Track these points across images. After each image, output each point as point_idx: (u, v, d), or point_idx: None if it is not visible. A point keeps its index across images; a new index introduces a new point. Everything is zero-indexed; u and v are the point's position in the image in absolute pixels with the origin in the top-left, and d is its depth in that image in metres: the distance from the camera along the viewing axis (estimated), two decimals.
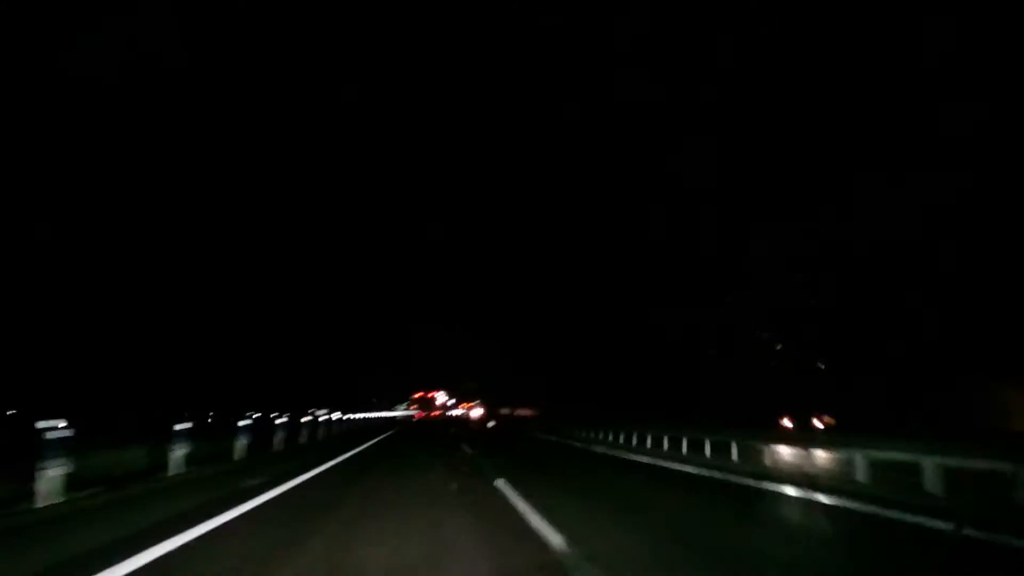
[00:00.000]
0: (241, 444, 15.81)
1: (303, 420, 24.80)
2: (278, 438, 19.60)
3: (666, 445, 18.08)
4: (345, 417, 35.32)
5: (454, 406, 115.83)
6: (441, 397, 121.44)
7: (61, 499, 8.34)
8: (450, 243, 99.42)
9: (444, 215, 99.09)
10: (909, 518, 7.02)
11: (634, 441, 20.52)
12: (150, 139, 43.65)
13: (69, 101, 37.60)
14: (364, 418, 43.35)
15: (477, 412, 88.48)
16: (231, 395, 44.94)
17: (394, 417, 77.54)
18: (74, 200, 39.09)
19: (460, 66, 65.32)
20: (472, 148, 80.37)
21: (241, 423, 16.38)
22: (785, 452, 13.67)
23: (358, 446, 21.44)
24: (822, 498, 8.48)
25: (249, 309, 50.49)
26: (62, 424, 8.43)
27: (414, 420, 76.32)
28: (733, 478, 10.87)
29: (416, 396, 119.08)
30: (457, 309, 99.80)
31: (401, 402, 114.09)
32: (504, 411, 76.65)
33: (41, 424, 8.19)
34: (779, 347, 30.32)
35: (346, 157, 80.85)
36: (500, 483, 9.96)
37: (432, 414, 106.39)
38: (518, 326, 68.84)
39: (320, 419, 28.03)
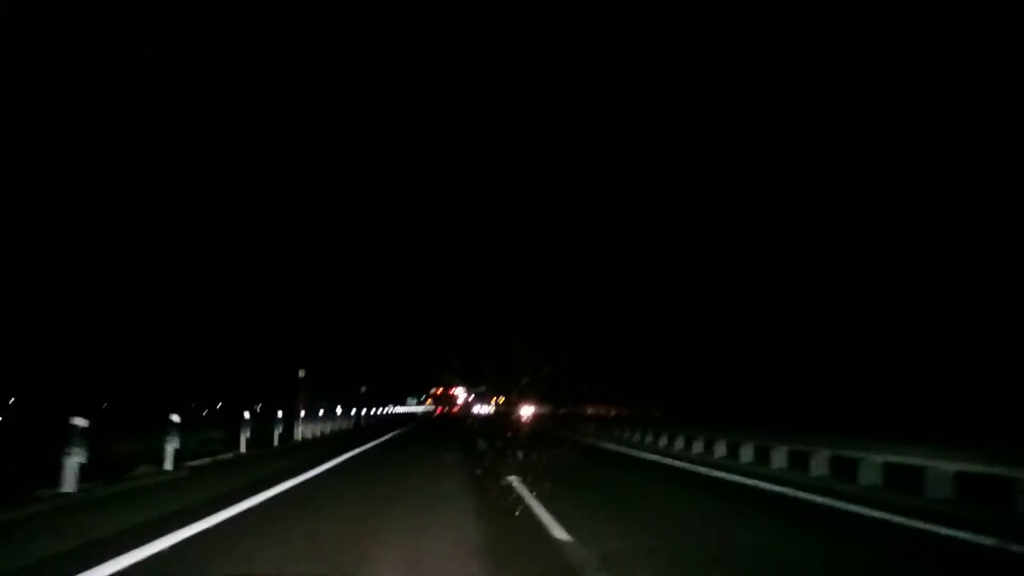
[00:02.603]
0: None
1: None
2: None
3: None
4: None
5: (478, 400, 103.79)
6: (462, 393, 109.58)
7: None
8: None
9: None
10: None
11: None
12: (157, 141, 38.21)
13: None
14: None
15: (528, 410, 67.77)
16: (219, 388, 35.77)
17: (414, 413, 68.70)
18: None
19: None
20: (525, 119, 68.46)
21: None
22: None
23: None
24: None
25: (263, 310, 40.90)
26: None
27: (434, 417, 67.58)
28: None
29: (437, 392, 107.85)
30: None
31: (416, 395, 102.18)
32: (541, 409, 63.04)
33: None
34: None
35: (396, 140, 69.36)
36: None
37: (453, 410, 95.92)
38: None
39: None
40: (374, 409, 39.09)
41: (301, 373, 20.20)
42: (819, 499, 9.16)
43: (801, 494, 9.67)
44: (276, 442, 17.30)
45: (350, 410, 29.46)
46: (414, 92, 65.68)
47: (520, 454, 16.15)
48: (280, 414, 17.59)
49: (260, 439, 17.03)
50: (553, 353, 65.37)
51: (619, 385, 53.58)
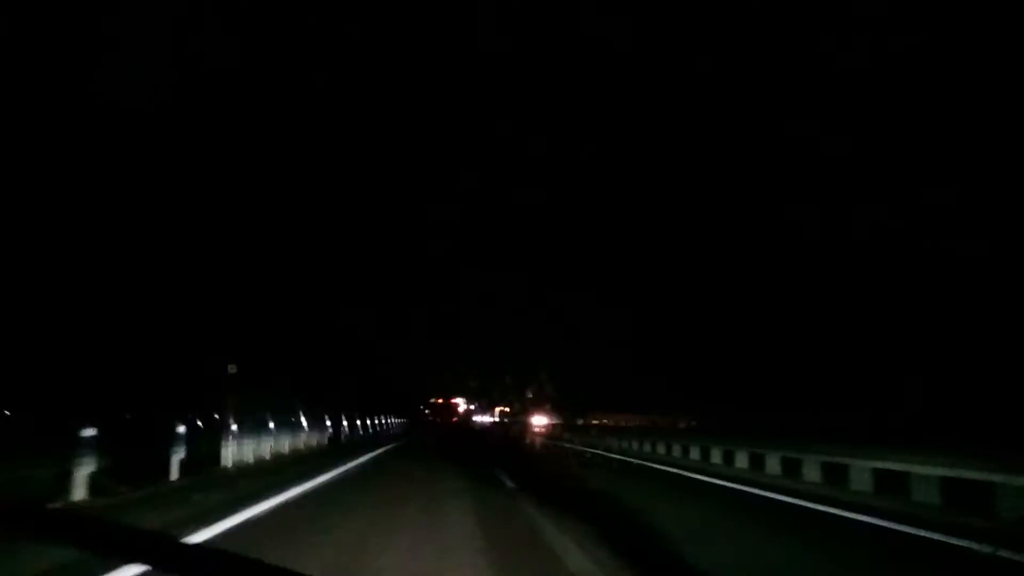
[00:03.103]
0: None
1: None
2: None
3: None
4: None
5: (479, 411, 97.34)
6: (462, 403, 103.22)
7: None
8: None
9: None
10: None
11: None
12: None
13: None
14: None
15: (540, 420, 62.68)
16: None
17: (412, 424, 62.93)
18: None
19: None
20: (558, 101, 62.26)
21: None
22: None
23: None
24: None
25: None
26: None
27: (432, 428, 61.85)
28: None
29: (437, 402, 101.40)
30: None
31: (413, 405, 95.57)
32: (553, 419, 56.44)
33: None
34: None
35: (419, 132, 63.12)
36: None
37: (452, 420, 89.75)
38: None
39: None
40: (361, 420, 32.15)
41: (232, 368, 13.28)
42: None
43: None
44: (175, 474, 10.42)
45: (324, 421, 22.66)
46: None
47: (578, 502, 9.40)
48: (183, 428, 10.64)
49: (154, 468, 10.32)
50: (558, 359, 59.98)
51: (624, 391, 48.53)
